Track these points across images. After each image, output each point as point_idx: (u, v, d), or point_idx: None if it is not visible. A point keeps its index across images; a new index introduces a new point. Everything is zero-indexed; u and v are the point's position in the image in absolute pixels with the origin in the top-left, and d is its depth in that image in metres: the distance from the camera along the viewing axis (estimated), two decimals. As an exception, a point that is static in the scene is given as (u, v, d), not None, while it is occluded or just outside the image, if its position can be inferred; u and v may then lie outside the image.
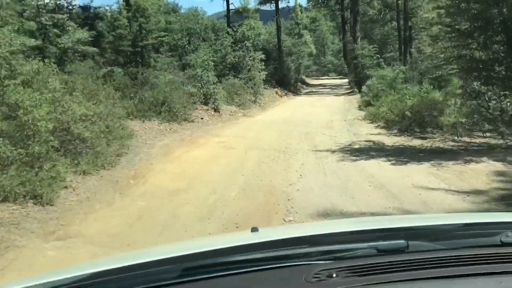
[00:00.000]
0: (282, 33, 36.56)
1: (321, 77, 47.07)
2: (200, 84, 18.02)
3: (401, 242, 1.25)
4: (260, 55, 24.19)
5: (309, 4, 51.38)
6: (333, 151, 11.04)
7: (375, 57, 26.07)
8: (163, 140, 13.62)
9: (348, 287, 1.04)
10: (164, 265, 1.22)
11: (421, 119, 12.95)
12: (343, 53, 55.25)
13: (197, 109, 17.76)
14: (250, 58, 23.26)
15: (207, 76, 17.90)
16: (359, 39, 28.02)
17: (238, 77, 22.75)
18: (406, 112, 12.91)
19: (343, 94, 27.67)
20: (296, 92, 30.59)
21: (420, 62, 22.26)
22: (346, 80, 38.33)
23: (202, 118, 17.19)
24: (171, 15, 26.94)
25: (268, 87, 26.98)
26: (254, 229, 1.59)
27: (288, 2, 33.61)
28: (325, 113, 19.72)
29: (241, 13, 28.68)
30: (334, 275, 1.09)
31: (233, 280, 1.13)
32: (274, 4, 33.31)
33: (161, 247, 2.30)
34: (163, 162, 10.48)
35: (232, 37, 23.97)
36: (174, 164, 10.35)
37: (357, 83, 27.14)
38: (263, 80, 24.44)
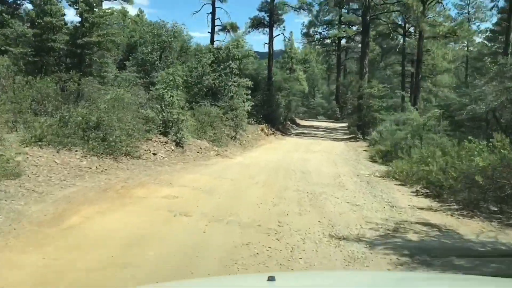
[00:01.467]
0: (273, 65, 32.25)
1: (310, 119, 42.53)
2: (159, 107, 12.78)
3: None
4: (246, 81, 19.26)
5: (303, 40, 47.90)
6: (370, 244, 5.79)
7: (385, 98, 21.46)
8: (73, 186, 8.15)
9: None
10: None
11: (498, 190, 7.90)
12: (336, 96, 51.48)
13: (150, 140, 12.43)
14: (234, 83, 18.29)
15: (171, 96, 12.70)
16: (366, 76, 23.56)
17: (216, 105, 17.65)
18: (476, 177, 7.85)
19: (343, 140, 22.82)
20: (285, 131, 25.68)
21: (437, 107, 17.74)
22: (341, 124, 33.74)
23: (154, 154, 11.81)
24: (139, 25, 22.07)
25: (252, 122, 21.97)
26: (271, 278, 1.50)
27: (284, 29, 28.86)
28: (326, 162, 14.62)
29: (229, 31, 24.04)
30: None
31: None
32: (267, 29, 28.92)
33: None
34: (27, 245, 5.01)
35: (214, 55, 19.03)
36: (50, 248, 4.91)
37: (360, 127, 22.38)
38: (247, 112, 19.43)
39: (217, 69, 18.48)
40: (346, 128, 29.64)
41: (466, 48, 44.57)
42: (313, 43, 48.90)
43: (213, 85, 17.89)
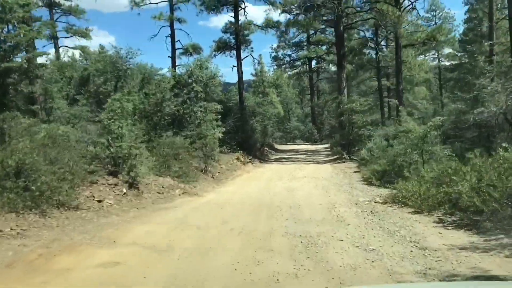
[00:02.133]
0: (245, 90, 30.29)
1: (288, 143, 40.47)
2: (105, 141, 10.29)
3: None
4: (215, 105, 17.01)
5: (273, 64, 46.45)
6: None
7: (367, 113, 19.55)
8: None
9: None
10: None
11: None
12: (312, 118, 49.80)
13: (96, 183, 9.84)
14: (201, 109, 15.99)
15: (119, 127, 10.25)
16: (345, 90, 21.67)
17: (181, 134, 15.24)
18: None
19: (327, 162, 20.64)
20: (263, 158, 23.36)
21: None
22: (322, 146, 31.74)
23: (100, 201, 9.21)
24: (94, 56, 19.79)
25: (226, 151, 19.62)
26: None
27: (252, 50, 27.09)
28: (316, 189, 12.31)
29: (191, 54, 21.90)
30: None
31: None
32: (234, 51, 27.01)
33: None
34: None
35: (175, 79, 16.75)
36: None
37: (345, 147, 20.30)
38: (219, 140, 17.09)
39: (180, 94, 16.15)
40: (328, 149, 27.59)
41: (437, 59, 43.97)
42: (284, 66, 47.54)
43: (176, 112, 15.51)
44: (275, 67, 46.32)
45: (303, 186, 12.94)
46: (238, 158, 20.24)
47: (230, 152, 20.26)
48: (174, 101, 15.57)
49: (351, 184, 13.01)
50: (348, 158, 19.11)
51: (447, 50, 39.40)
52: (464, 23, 35.52)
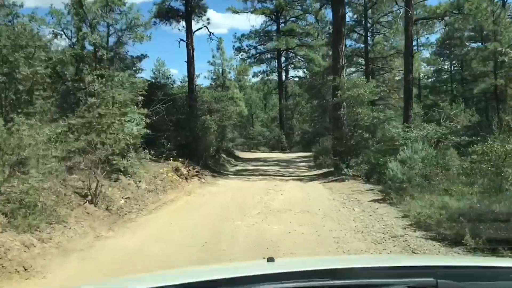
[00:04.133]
0: (197, 78, 23.16)
1: (252, 151, 33.42)
2: None
3: (431, 280, 1.23)
4: (132, 77, 9.63)
5: (236, 57, 39.12)
6: None
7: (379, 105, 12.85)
8: None
9: None
10: None
11: None
12: (280, 122, 43.03)
13: None
14: (99, 80, 8.54)
15: None
16: (344, 70, 14.66)
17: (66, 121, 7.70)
18: None
19: (314, 178, 13.62)
20: (218, 170, 16.10)
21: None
22: (294, 155, 24.80)
23: None
24: None
25: (155, 158, 12.23)
26: (270, 259, 1.55)
27: (208, 22, 19.91)
28: (322, 245, 5.24)
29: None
30: None
31: None
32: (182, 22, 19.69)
33: (176, 273, 2.01)
34: None
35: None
36: None
37: (342, 156, 13.33)
38: (141, 138, 9.76)
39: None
40: (305, 159, 20.71)
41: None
42: (248, 60, 40.45)
43: (43, 82, 7.97)
44: (238, 60, 39.26)
45: (293, 235, 5.83)
46: (177, 169, 12.89)
47: (163, 160, 12.89)
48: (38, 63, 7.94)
49: (407, 241, 5.93)
50: (348, 173, 12.18)
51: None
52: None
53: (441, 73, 37.24)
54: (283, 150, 34.32)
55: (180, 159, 13.46)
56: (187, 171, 13.52)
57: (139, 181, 9.54)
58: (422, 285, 1.23)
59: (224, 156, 19.22)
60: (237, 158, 21.24)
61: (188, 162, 13.89)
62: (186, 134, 15.10)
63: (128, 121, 9.42)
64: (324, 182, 12.29)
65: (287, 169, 16.59)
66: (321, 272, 1.31)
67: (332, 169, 13.65)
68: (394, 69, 26.44)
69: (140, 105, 10.15)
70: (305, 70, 39.53)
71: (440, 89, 35.43)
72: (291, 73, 44.17)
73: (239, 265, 1.87)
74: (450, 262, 1.73)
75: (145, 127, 10.25)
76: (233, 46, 39.46)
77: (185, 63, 19.49)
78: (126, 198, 8.23)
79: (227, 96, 26.19)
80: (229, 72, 29.48)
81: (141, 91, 10.24)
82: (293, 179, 13.50)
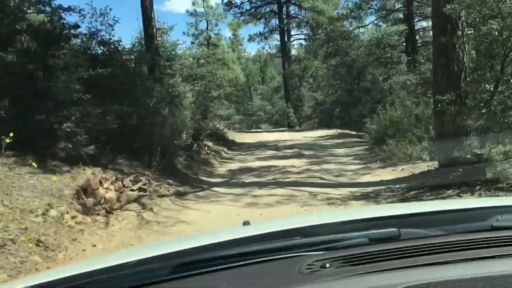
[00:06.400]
0: (170, 30, 15.91)
1: (253, 130, 25.84)
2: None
3: (393, 230, 1.22)
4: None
5: (226, 11, 30.64)
6: None
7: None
8: None
9: (342, 276, 1.03)
10: (156, 263, 1.19)
11: None
12: (284, 93, 35.16)
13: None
14: None
15: None
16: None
17: None
18: None
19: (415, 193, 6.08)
20: (195, 172, 8.63)
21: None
22: (315, 134, 17.15)
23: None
24: None
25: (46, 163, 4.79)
26: (246, 223, 1.61)
27: None
28: None
29: None
30: (328, 265, 1.07)
31: (225, 275, 1.11)
32: None
33: (152, 245, 2.22)
34: None
35: None
36: None
37: (459, 136, 5.76)
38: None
39: None
40: (340, 141, 13.21)
41: None
42: (242, 17, 32.08)
43: None
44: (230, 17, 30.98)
45: None
46: (85, 191, 5.42)
47: (70, 166, 5.46)
48: None
49: None
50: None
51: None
52: None
53: None
54: (291, 127, 26.75)
55: (93, 168, 5.99)
56: (115, 189, 6.07)
57: None
58: (384, 236, 1.22)
59: (209, 144, 11.62)
60: (232, 145, 13.66)
61: (114, 173, 6.42)
62: (124, 110, 7.52)
63: None
64: None
65: (325, 165, 8.97)
66: (290, 232, 1.34)
67: (431, 167, 6.21)
68: None
69: None
70: (310, 29, 31.54)
71: None
72: (295, 34, 35.82)
73: (217, 232, 1.66)
74: (412, 210, 1.64)
75: None
76: (222, 0, 31.03)
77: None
78: None
79: (214, 57, 18.61)
80: (217, 25, 21.81)
81: None
82: (363, 197, 5.98)
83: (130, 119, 7.56)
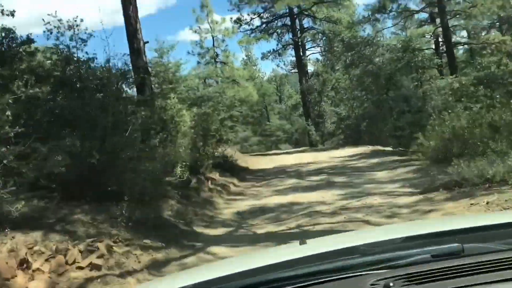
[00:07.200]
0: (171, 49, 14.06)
1: (271, 152, 23.46)
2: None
3: (456, 245, 1.16)
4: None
5: (236, 29, 28.58)
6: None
7: None
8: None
9: None
10: (224, 283, 1.21)
11: None
12: (304, 109, 32.78)
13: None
14: None
15: None
16: None
17: None
18: None
19: None
20: (188, 222, 6.36)
21: None
22: (342, 152, 14.67)
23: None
24: None
25: None
26: (303, 242, 1.55)
27: None
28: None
29: None
30: (391, 284, 1.04)
31: None
32: None
33: (215, 265, 2.22)
34: None
35: None
36: None
37: None
38: None
39: None
40: (378, 160, 10.79)
41: None
42: (252, 34, 29.93)
43: None
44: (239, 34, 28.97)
45: None
46: None
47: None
48: None
49: None
50: None
51: None
52: None
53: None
54: (313, 146, 24.33)
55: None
56: (51, 270, 3.84)
57: None
58: (447, 252, 1.16)
59: (214, 177, 9.34)
60: (244, 174, 11.35)
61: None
62: (84, 145, 5.38)
63: None
64: None
65: (368, 199, 6.57)
66: (350, 250, 1.32)
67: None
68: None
69: None
70: (327, 41, 29.38)
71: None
72: (310, 47, 33.59)
73: (275, 251, 1.83)
74: (475, 223, 1.56)
75: None
76: (231, 18, 29.00)
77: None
78: None
79: (223, 74, 16.69)
80: (223, 41, 19.90)
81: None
82: None
83: (90, 156, 5.37)
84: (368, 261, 1.19)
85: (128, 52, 10.15)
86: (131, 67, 9.98)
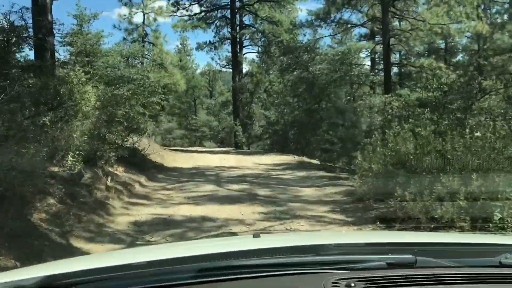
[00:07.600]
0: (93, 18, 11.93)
1: (193, 148, 21.97)
2: None
3: (410, 257, 1.24)
4: None
5: (172, 13, 26.62)
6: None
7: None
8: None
9: None
10: (177, 264, 1.18)
11: None
12: (233, 108, 31.52)
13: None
14: None
15: None
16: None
17: None
18: None
19: None
20: (43, 259, 4.89)
21: None
22: (267, 158, 13.73)
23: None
24: None
25: None
26: (256, 235, 1.57)
27: None
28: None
29: None
30: (353, 285, 1.06)
31: (248, 284, 1.10)
32: None
33: (172, 246, 2.22)
34: None
35: None
36: None
37: None
38: None
39: None
40: (304, 174, 9.92)
41: None
42: (189, 21, 28.16)
43: None
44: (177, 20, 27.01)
45: None
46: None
47: None
48: None
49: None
50: None
51: None
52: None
53: None
54: (238, 147, 23.34)
55: None
56: None
57: None
58: (401, 262, 1.22)
59: (117, 172, 7.76)
60: (157, 172, 9.85)
61: None
62: None
63: None
64: None
65: (293, 223, 5.50)
66: (303, 248, 1.32)
67: None
68: None
69: None
70: (266, 41, 28.55)
71: None
72: (247, 45, 32.58)
73: (229, 240, 1.75)
74: (428, 239, 1.73)
75: None
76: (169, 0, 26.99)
77: None
78: None
79: (148, 56, 15.06)
80: (155, 20, 18.09)
81: None
82: None
83: None
84: (326, 260, 1.21)
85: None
86: (31, 26, 8.20)
